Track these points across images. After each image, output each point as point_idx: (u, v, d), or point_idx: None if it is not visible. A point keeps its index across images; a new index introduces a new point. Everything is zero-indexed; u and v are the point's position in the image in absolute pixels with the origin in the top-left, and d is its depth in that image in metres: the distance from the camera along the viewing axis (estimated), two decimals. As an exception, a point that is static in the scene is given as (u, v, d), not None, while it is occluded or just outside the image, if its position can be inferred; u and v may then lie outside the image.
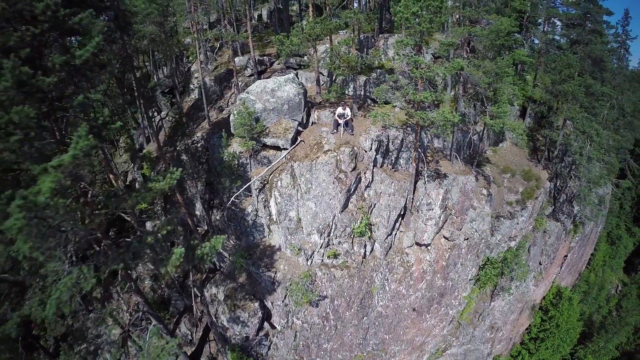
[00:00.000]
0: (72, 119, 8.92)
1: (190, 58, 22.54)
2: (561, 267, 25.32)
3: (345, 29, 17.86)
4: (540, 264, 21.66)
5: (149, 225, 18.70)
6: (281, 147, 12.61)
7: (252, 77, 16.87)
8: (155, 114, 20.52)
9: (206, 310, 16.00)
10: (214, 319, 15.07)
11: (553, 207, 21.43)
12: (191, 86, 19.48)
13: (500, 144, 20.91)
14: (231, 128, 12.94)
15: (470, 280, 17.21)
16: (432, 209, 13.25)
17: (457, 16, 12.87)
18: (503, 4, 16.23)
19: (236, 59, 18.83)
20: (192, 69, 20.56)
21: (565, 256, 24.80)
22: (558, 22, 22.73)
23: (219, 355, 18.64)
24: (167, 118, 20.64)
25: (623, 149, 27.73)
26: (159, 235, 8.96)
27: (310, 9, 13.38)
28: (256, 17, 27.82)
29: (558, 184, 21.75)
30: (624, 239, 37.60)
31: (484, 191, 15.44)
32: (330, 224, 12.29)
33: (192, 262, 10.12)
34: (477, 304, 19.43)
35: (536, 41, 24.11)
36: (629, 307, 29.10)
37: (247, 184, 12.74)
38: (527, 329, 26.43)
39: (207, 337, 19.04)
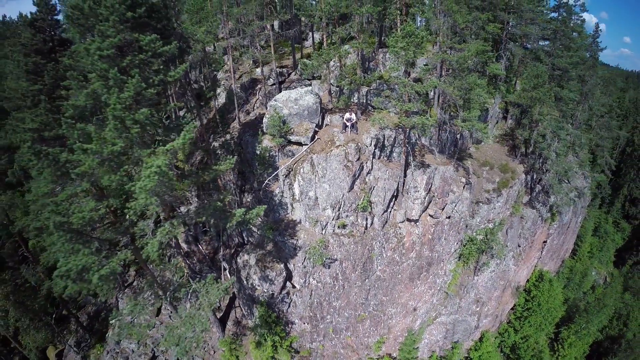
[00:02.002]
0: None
1: (214, 66, 27.65)
2: (542, 252, 30.38)
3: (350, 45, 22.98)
4: (519, 245, 26.71)
5: (183, 209, 23.71)
6: (303, 143, 17.70)
7: (274, 86, 21.99)
8: (186, 115, 25.55)
9: (236, 277, 20.98)
10: (244, 282, 20.04)
11: (529, 196, 26.53)
12: (218, 92, 24.51)
13: (483, 142, 26.03)
14: (263, 128, 18.03)
15: (453, 253, 22.25)
16: (418, 191, 18.30)
17: (437, 44, 17.94)
18: (480, 27, 21.43)
19: (258, 70, 24.01)
20: (218, 77, 25.63)
21: (545, 242, 29.88)
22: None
23: (243, 319, 23.66)
24: (196, 119, 25.69)
25: (601, 147, 32.87)
26: (225, 200, 13.96)
27: (324, 37, 18.50)
28: (269, 27, 32.95)
29: (535, 177, 26.83)
30: (610, 233, 42.71)
31: (463, 179, 20.50)
32: (340, 201, 17.35)
33: (241, 225, 15.11)
34: (462, 277, 24.45)
35: (528, 46, 29.33)
36: (607, 292, 34.16)
37: (276, 172, 17.80)
38: (512, 308, 31.48)
39: (232, 304, 24.09)
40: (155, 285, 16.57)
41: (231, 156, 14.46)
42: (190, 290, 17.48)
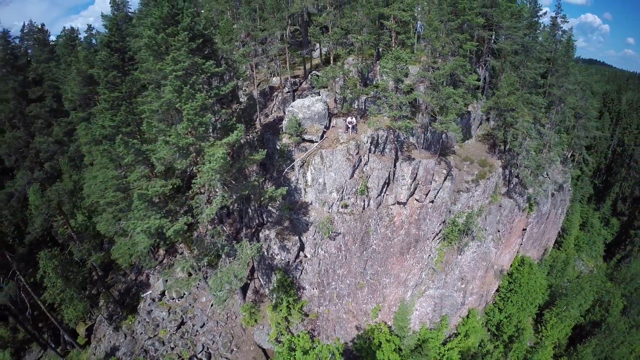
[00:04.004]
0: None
1: (234, 74, 34.51)
2: (522, 239, 36.99)
3: (353, 55, 29.84)
4: (498, 231, 33.31)
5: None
6: (314, 140, 24.45)
7: (289, 94, 28.80)
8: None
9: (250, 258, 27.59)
10: (265, 253, 26.68)
11: (507, 188, 33.20)
12: (242, 98, 31.30)
13: (466, 140, 32.80)
14: (283, 128, 24.77)
15: (438, 233, 28.87)
16: (405, 179, 25.00)
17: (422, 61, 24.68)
18: (459, 46, 28.21)
19: (274, 78, 30.86)
20: (239, 84, 32.43)
21: (524, 229, 36.50)
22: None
23: (260, 288, 30.35)
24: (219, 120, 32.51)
25: (578, 146, 39.64)
26: (259, 181, 20.65)
27: (332, 56, 25.31)
28: (279, 37, 39.82)
29: (513, 171, 33.48)
30: (597, 227, 49.33)
31: (444, 171, 27.18)
32: (343, 185, 24.06)
33: (270, 200, 21.80)
34: (447, 256, 31.05)
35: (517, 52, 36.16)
36: (586, 277, 40.72)
37: (293, 163, 24.53)
38: (497, 290, 38.04)
39: (252, 277, 30.79)
40: (203, 245, 23.23)
41: (261, 149, 21.20)
42: (225, 252, 24.11)
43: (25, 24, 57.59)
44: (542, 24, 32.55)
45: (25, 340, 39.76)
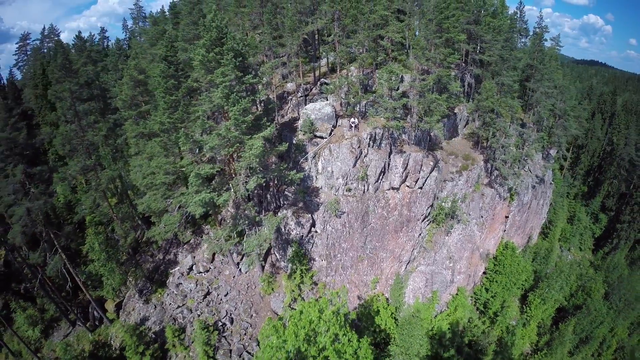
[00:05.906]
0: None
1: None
2: (505, 225, 45.78)
3: (355, 64, 38.93)
4: (481, 216, 42.12)
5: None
6: (324, 137, 33.33)
7: (301, 98, 37.80)
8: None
9: (276, 227, 36.45)
10: (282, 230, 35.45)
11: (489, 179, 42.10)
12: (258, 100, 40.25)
13: (453, 138, 41.78)
14: (299, 127, 33.73)
15: (427, 215, 37.68)
16: (397, 169, 33.88)
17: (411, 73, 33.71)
18: (443, 60, 37.28)
19: (288, 84, 39.94)
20: (257, 88, 41.44)
21: (507, 217, 45.31)
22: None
23: (277, 262, 39.11)
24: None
25: (558, 143, 48.64)
26: (283, 167, 29.56)
27: (338, 67, 34.31)
28: (294, 51, 48.96)
29: (494, 165, 42.37)
30: (583, 220, 58.14)
31: (431, 162, 36.07)
32: (348, 173, 32.93)
33: (289, 184, 30.67)
34: (435, 236, 39.85)
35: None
36: (566, 262, 49.43)
37: (307, 155, 33.43)
38: (484, 273, 46.77)
39: (269, 252, 39.58)
40: (236, 216, 32.02)
41: (284, 143, 30.11)
42: (256, 221, 32.92)
43: (46, 27, 67.34)
44: (527, 31, 41.69)
45: (53, 318, 47.82)
